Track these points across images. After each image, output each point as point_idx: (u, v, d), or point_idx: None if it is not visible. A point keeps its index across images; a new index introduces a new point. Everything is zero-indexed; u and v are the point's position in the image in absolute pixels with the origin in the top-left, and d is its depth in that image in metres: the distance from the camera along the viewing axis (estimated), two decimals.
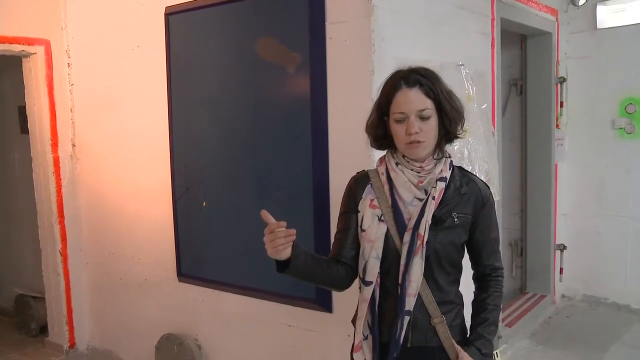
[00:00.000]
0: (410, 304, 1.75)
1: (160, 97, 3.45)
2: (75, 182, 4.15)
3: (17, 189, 5.03)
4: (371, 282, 1.79)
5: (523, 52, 4.78)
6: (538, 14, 4.39)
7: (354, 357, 1.86)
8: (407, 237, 1.75)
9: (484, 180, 1.95)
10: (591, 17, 4.75)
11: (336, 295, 2.76)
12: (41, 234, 4.23)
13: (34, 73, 4.02)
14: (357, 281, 1.88)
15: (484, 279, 1.91)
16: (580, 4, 4.74)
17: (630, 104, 4.61)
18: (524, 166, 4.86)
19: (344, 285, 1.90)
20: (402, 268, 1.75)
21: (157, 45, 3.43)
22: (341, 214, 1.91)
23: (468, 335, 1.88)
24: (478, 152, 3.28)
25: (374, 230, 1.78)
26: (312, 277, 1.82)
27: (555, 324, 4.56)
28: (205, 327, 3.45)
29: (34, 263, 4.53)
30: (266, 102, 2.97)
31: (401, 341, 1.76)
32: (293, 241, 1.67)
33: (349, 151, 2.64)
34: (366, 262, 1.80)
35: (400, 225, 1.76)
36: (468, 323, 1.91)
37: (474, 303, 1.92)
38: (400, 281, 1.75)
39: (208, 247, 3.34)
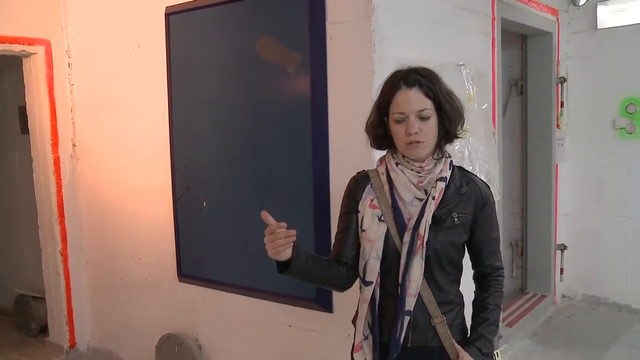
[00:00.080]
0: (410, 304, 1.75)
1: (160, 97, 3.45)
2: (75, 182, 4.15)
3: (17, 189, 5.03)
4: (371, 282, 1.79)
5: (523, 52, 4.78)
6: (538, 14, 4.39)
7: (354, 357, 1.86)
8: (407, 237, 1.74)
9: (484, 180, 1.95)
10: (592, 17, 4.75)
11: (336, 295, 2.76)
12: (41, 234, 4.23)
13: (34, 73, 4.02)
14: (358, 281, 1.87)
15: (485, 279, 1.91)
16: (580, 4, 4.74)
17: (631, 103, 4.60)
18: (524, 166, 4.86)
19: (345, 286, 1.90)
20: (402, 268, 1.75)
21: (158, 45, 3.43)
22: (341, 214, 1.91)
23: (468, 335, 1.88)
24: (478, 152, 3.27)
25: (374, 230, 1.78)
26: (313, 278, 1.82)
27: (555, 324, 4.56)
28: (206, 327, 3.45)
29: (34, 263, 4.53)
30: (266, 102, 2.97)
31: (401, 341, 1.76)
32: (294, 242, 1.68)
33: (349, 151, 2.64)
34: (366, 262, 1.80)
35: (400, 225, 1.76)
36: (469, 323, 1.91)
37: (474, 303, 1.92)
38: (400, 281, 1.75)
39: (208, 247, 3.34)
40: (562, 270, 4.88)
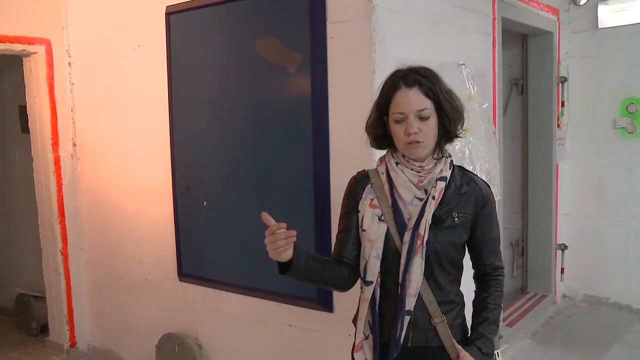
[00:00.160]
0: (410, 303, 1.75)
1: (160, 97, 3.45)
2: (75, 182, 4.15)
3: (17, 188, 5.03)
4: (372, 282, 1.79)
5: (524, 52, 4.78)
6: (539, 13, 4.39)
7: (354, 357, 1.86)
8: (407, 236, 1.74)
9: (484, 180, 1.95)
10: (592, 17, 4.74)
11: (337, 295, 2.76)
12: (42, 233, 4.23)
13: (34, 72, 4.02)
14: (359, 281, 1.87)
15: (485, 279, 1.91)
16: (581, 4, 4.74)
17: (632, 103, 4.60)
18: (525, 166, 4.85)
19: (346, 286, 1.90)
20: (402, 268, 1.75)
21: (158, 44, 3.43)
22: (342, 214, 1.91)
23: (469, 335, 1.87)
24: (479, 151, 3.27)
25: (374, 230, 1.78)
26: (314, 278, 1.82)
27: (556, 324, 4.56)
28: (206, 326, 3.45)
29: (35, 262, 4.53)
30: (267, 101, 2.96)
31: (401, 341, 1.76)
32: (294, 243, 1.67)
33: (349, 151, 2.64)
34: (366, 261, 1.80)
35: (401, 225, 1.76)
36: (469, 323, 1.91)
37: (474, 302, 1.91)
38: (400, 281, 1.75)
39: (208, 247, 3.34)
40: (562, 270, 4.87)
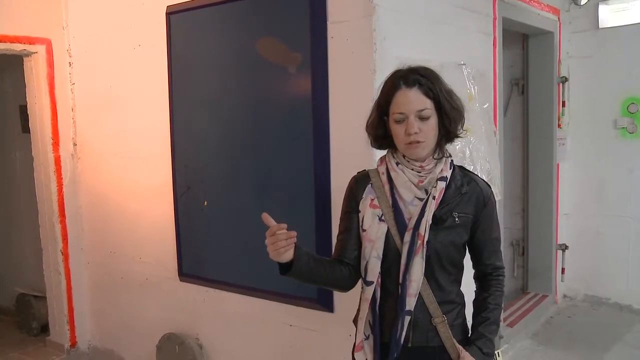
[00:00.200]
0: (410, 303, 1.75)
1: (161, 97, 3.44)
2: (76, 182, 4.15)
3: (18, 188, 5.04)
4: (372, 282, 1.79)
5: (525, 52, 4.77)
6: (540, 13, 4.38)
7: (355, 357, 1.86)
8: (407, 236, 1.74)
9: (485, 180, 1.95)
10: (593, 17, 4.74)
11: (337, 295, 2.76)
12: (42, 233, 4.23)
13: (35, 72, 4.02)
14: (360, 281, 1.87)
15: (485, 279, 1.90)
16: (582, 4, 4.73)
17: (633, 103, 4.60)
18: (525, 166, 4.85)
19: (348, 286, 1.90)
20: (402, 268, 1.75)
21: (158, 44, 3.43)
22: (343, 215, 1.91)
23: (469, 335, 1.87)
24: (480, 151, 3.27)
25: (374, 230, 1.78)
26: (315, 279, 1.82)
27: (556, 324, 4.56)
28: (207, 326, 3.45)
29: (35, 262, 4.53)
30: (267, 101, 2.96)
31: (402, 341, 1.76)
32: (295, 243, 1.67)
33: (350, 151, 2.64)
34: (367, 262, 1.80)
35: (401, 225, 1.76)
36: (470, 323, 1.90)
37: (475, 302, 1.91)
38: (400, 281, 1.75)
39: (209, 247, 3.33)
40: (563, 270, 4.87)
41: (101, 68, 3.89)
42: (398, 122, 1.73)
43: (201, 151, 3.30)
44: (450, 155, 1.83)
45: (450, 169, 1.80)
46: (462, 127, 1.81)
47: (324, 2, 2.68)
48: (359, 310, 1.87)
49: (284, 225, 1.64)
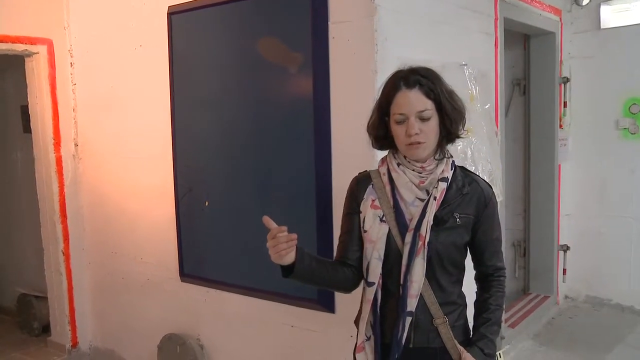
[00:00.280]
0: (412, 304, 1.74)
1: (162, 97, 3.45)
2: (77, 182, 4.15)
3: (19, 188, 5.04)
4: (373, 283, 1.79)
5: (526, 52, 4.77)
6: (541, 13, 4.38)
7: (356, 358, 1.86)
8: (408, 237, 1.74)
9: (486, 181, 1.94)
10: (595, 17, 4.73)
11: (339, 296, 2.75)
12: (43, 233, 4.23)
13: (36, 72, 4.02)
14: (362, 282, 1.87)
15: (487, 279, 1.90)
16: (583, 4, 4.72)
17: (634, 104, 4.59)
18: (527, 166, 4.84)
19: (350, 287, 1.90)
20: (403, 269, 1.75)
21: (160, 44, 3.43)
22: (344, 216, 1.90)
23: (471, 336, 1.87)
24: (481, 152, 3.27)
25: (375, 231, 1.78)
26: (317, 281, 1.82)
27: (558, 325, 4.55)
28: (208, 327, 3.45)
29: (37, 262, 4.53)
30: (268, 102, 2.96)
31: (403, 342, 1.76)
32: (297, 245, 1.67)
33: (351, 151, 2.63)
34: (368, 262, 1.80)
35: (402, 226, 1.76)
36: (471, 324, 1.90)
37: (476, 303, 1.91)
38: (401, 282, 1.75)
39: (210, 247, 3.33)
40: (564, 271, 4.86)
41: (102, 68, 3.89)
42: (399, 123, 1.73)
43: (202, 151, 3.30)
44: (451, 156, 1.83)
45: (451, 169, 1.80)
46: (463, 127, 1.81)
47: (326, 3, 2.68)
48: (360, 311, 1.87)
49: (285, 228, 1.64)
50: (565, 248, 4.84)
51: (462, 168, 1.89)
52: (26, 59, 4.04)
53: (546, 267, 4.83)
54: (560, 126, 4.73)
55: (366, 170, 1.91)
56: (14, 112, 4.94)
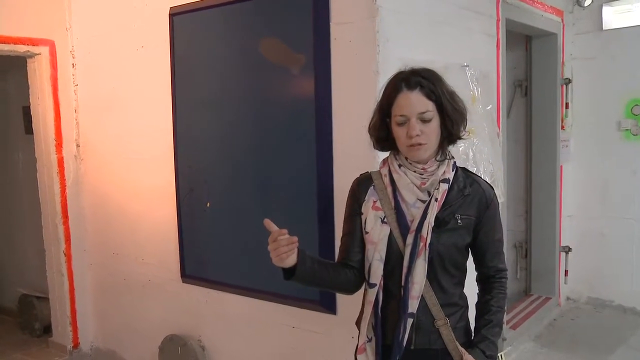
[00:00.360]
0: (413, 306, 1.74)
1: (164, 98, 3.45)
2: (79, 183, 4.15)
3: (21, 189, 5.04)
4: (375, 284, 1.79)
5: (528, 53, 4.77)
6: (543, 14, 4.37)
7: (357, 359, 1.85)
8: (409, 239, 1.74)
9: (488, 182, 1.94)
10: (597, 18, 4.73)
11: (340, 297, 2.75)
12: (45, 234, 4.24)
13: (38, 73, 4.02)
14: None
15: (488, 281, 1.90)
16: (585, 5, 4.72)
17: (636, 105, 4.59)
18: (528, 168, 4.84)
19: (353, 289, 1.89)
20: (405, 270, 1.74)
21: (162, 45, 3.43)
22: (346, 217, 1.90)
23: (472, 338, 1.87)
24: (483, 153, 3.26)
25: (376, 232, 1.77)
26: (319, 282, 1.82)
27: (560, 326, 4.54)
28: (209, 328, 3.45)
29: (38, 263, 4.53)
30: (270, 103, 2.96)
31: (404, 343, 1.75)
32: (299, 248, 1.67)
33: (353, 152, 2.63)
34: (370, 264, 1.79)
35: (403, 227, 1.76)
36: (473, 325, 1.90)
37: (477, 305, 1.91)
38: (403, 283, 1.75)
39: (212, 248, 3.33)
40: (566, 272, 4.86)
41: (104, 69, 3.89)
42: (400, 124, 1.72)
43: (204, 152, 3.30)
44: (452, 157, 1.83)
45: (452, 170, 1.80)
46: (464, 128, 1.81)
47: (327, 4, 2.68)
48: (361, 312, 1.87)
49: (285, 231, 1.64)
50: (567, 249, 4.83)
51: (464, 169, 1.89)
52: (28, 60, 4.04)
53: (548, 269, 4.82)
54: (562, 127, 4.73)
55: (367, 172, 1.91)
56: (16, 113, 4.95)
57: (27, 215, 4.92)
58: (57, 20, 4.02)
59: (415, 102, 1.70)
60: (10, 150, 5.15)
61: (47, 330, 4.51)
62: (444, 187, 1.76)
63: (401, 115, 1.71)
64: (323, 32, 2.70)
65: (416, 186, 1.76)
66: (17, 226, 5.17)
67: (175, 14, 3.34)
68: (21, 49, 3.87)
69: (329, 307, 2.81)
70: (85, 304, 4.21)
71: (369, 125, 1.85)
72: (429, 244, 1.72)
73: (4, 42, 3.76)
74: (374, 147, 1.88)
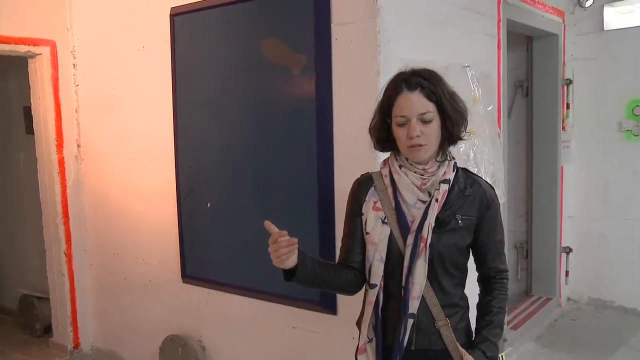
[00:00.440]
0: (413, 306, 1.74)
1: (165, 98, 3.45)
2: (80, 183, 4.15)
3: (22, 189, 5.04)
4: (376, 285, 1.79)
5: (529, 54, 4.76)
6: (544, 15, 4.37)
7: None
8: (410, 239, 1.74)
9: (489, 182, 1.94)
10: (598, 19, 4.73)
11: (341, 298, 2.75)
12: (46, 234, 4.24)
13: (39, 74, 4.03)
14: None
15: (489, 282, 1.90)
16: (587, 6, 4.72)
17: (637, 106, 4.58)
18: (529, 168, 4.84)
19: (353, 290, 1.89)
20: (405, 271, 1.74)
21: (163, 46, 3.43)
22: (346, 218, 1.90)
23: (473, 338, 1.86)
24: (484, 154, 3.26)
25: (377, 233, 1.77)
26: (320, 283, 1.82)
27: (560, 327, 4.54)
28: (209, 328, 3.45)
29: (39, 263, 4.54)
30: (271, 103, 2.96)
31: (405, 344, 1.75)
32: (299, 249, 1.67)
33: (354, 153, 2.63)
34: (370, 264, 1.79)
35: (404, 228, 1.75)
36: (474, 326, 1.90)
37: (478, 306, 1.91)
38: (403, 284, 1.75)
39: (212, 248, 3.33)
40: (567, 272, 4.86)
41: (105, 69, 3.90)
42: (400, 125, 1.72)
43: (205, 152, 3.30)
44: (453, 158, 1.83)
45: (453, 171, 1.80)
46: (465, 129, 1.81)
47: (328, 4, 2.68)
48: (362, 312, 1.87)
49: (285, 232, 1.64)
50: (568, 250, 4.83)
51: (465, 170, 1.88)
52: (29, 60, 4.05)
53: (549, 269, 4.82)
54: (563, 128, 4.73)
55: (368, 172, 1.91)
56: (17, 113, 4.95)
57: (27, 215, 4.92)
58: (58, 21, 4.03)
59: (415, 103, 1.70)
60: (11, 150, 5.15)
61: (48, 330, 4.51)
62: (445, 187, 1.76)
63: (401, 116, 1.71)
64: (324, 32, 2.70)
65: (416, 187, 1.76)
66: (17, 226, 5.17)
67: (175, 15, 3.34)
68: (22, 49, 3.87)
69: (330, 307, 2.81)
70: (85, 304, 4.21)
71: (370, 125, 1.85)
72: (430, 244, 1.72)
73: (5, 42, 3.77)
74: (374, 147, 1.88)
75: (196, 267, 3.43)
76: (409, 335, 1.75)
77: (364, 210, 1.82)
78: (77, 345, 4.23)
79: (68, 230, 4.14)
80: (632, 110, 4.61)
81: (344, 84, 2.69)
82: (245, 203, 3.11)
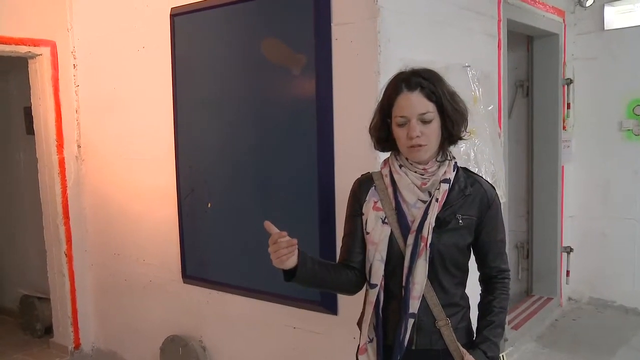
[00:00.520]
0: (414, 306, 1.74)
1: (165, 98, 3.45)
2: (80, 183, 4.15)
3: (22, 190, 5.04)
4: (376, 285, 1.79)
5: (529, 54, 4.76)
6: (545, 15, 4.37)
7: None
8: (410, 239, 1.74)
9: (489, 182, 1.94)
10: (598, 18, 4.73)
11: (341, 298, 2.75)
12: (46, 235, 4.24)
13: (39, 74, 4.03)
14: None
15: (490, 281, 1.89)
16: (587, 5, 4.72)
17: (638, 105, 4.58)
18: (530, 168, 4.84)
19: (354, 290, 1.89)
20: (405, 270, 1.74)
21: (163, 46, 3.43)
22: (347, 218, 1.90)
23: (474, 338, 1.86)
24: (484, 153, 3.26)
25: (377, 233, 1.77)
26: (320, 283, 1.82)
27: (561, 326, 4.54)
28: (210, 328, 3.45)
29: (39, 264, 4.54)
30: (271, 103, 2.96)
31: (405, 344, 1.75)
32: (299, 249, 1.67)
33: (354, 153, 2.63)
34: (371, 264, 1.79)
35: (404, 228, 1.75)
36: (474, 326, 1.89)
37: (479, 305, 1.91)
38: (404, 284, 1.75)
39: (213, 249, 3.33)
40: (568, 272, 4.86)
41: (105, 70, 3.90)
42: (400, 125, 1.72)
43: (205, 153, 3.30)
44: (453, 158, 1.83)
45: (453, 171, 1.80)
46: (465, 129, 1.80)
47: (329, 4, 2.68)
48: (362, 312, 1.86)
49: (285, 233, 1.64)
50: (569, 250, 4.83)
51: (465, 169, 1.88)
52: (29, 61, 4.05)
53: (549, 269, 4.82)
54: (564, 127, 4.73)
55: (368, 172, 1.91)
56: (17, 113, 4.95)
57: (28, 215, 4.92)
58: (59, 21, 4.03)
59: (415, 103, 1.70)
60: (11, 151, 5.15)
61: (49, 330, 4.52)
62: (445, 187, 1.76)
63: (401, 116, 1.71)
64: (324, 32, 2.70)
65: (417, 186, 1.76)
66: (18, 226, 5.17)
67: (176, 15, 3.34)
68: (22, 49, 3.88)
69: (330, 307, 2.80)
70: (86, 304, 4.21)
71: (370, 125, 1.85)
72: (430, 244, 1.72)
73: (6, 43, 3.77)
74: (374, 147, 1.88)
75: (197, 268, 3.43)
76: (410, 335, 1.75)
77: (364, 210, 1.82)
78: (77, 346, 4.23)
79: (68, 230, 4.14)
80: (633, 110, 4.61)
81: (344, 84, 2.69)
82: (246, 203, 3.11)
